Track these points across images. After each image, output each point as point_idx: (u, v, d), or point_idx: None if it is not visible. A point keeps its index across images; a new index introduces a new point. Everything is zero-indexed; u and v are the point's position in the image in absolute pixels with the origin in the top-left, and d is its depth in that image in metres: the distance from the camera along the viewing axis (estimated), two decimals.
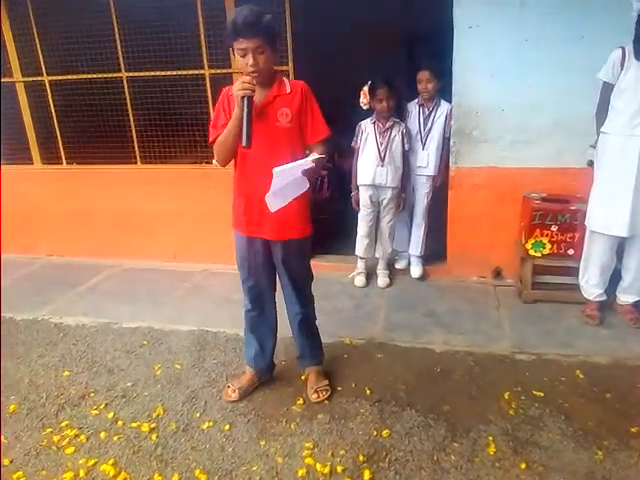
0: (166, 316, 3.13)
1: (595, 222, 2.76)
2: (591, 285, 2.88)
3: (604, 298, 2.89)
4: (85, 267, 3.94)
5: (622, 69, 2.56)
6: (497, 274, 3.48)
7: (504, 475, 1.83)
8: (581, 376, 2.38)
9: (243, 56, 1.86)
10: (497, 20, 2.97)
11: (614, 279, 2.91)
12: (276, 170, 1.77)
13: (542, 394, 2.25)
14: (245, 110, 1.81)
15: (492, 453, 1.92)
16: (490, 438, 1.99)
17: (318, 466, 1.89)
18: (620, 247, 2.83)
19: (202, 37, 3.45)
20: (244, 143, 1.80)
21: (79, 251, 4.11)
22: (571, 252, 2.97)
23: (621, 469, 1.84)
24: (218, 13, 3.35)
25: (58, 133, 3.94)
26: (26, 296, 3.48)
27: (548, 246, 2.99)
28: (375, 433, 2.05)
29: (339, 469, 1.88)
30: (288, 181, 1.85)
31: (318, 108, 2.04)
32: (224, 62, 3.49)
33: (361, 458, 1.92)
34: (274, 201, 1.90)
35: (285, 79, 2.02)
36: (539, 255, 3.02)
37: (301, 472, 1.87)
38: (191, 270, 3.83)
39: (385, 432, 2.05)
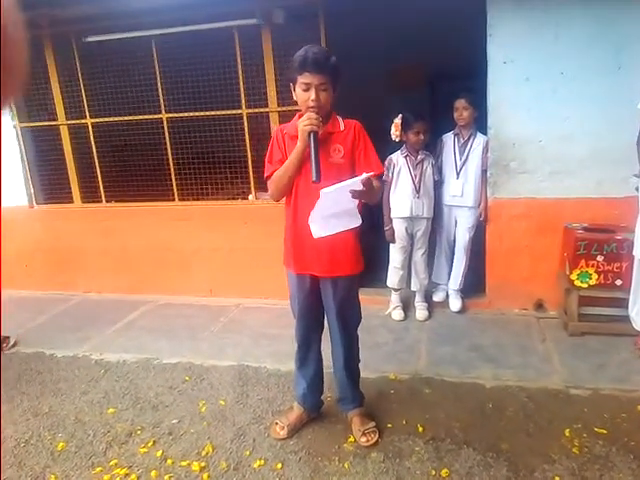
0: (205, 351, 3.11)
1: None
2: None
3: None
4: (122, 303, 3.97)
5: None
6: (539, 306, 3.40)
7: None
8: None
9: (306, 90, 1.87)
10: (532, 55, 3.02)
11: None
12: (324, 191, 1.72)
13: (605, 431, 2.15)
14: (312, 145, 1.82)
15: None
16: (557, 478, 1.90)
17: None
18: None
19: (240, 78, 3.57)
20: (314, 178, 1.79)
21: (115, 287, 4.15)
22: (619, 282, 2.91)
23: None
24: (256, 55, 3.49)
25: (99, 172, 4.05)
26: (65, 333, 3.50)
27: (594, 276, 2.92)
28: (434, 472, 1.97)
29: None
30: (335, 210, 1.81)
31: (372, 146, 2.02)
32: (260, 102, 3.60)
33: None
34: (317, 227, 1.85)
35: (339, 117, 2.03)
36: (585, 286, 2.95)
37: None
38: (226, 305, 3.83)
39: (444, 471, 1.97)
